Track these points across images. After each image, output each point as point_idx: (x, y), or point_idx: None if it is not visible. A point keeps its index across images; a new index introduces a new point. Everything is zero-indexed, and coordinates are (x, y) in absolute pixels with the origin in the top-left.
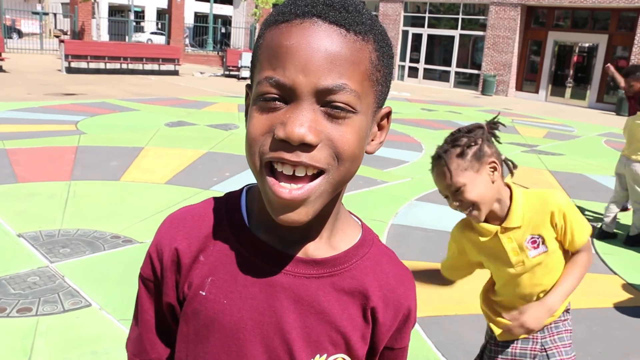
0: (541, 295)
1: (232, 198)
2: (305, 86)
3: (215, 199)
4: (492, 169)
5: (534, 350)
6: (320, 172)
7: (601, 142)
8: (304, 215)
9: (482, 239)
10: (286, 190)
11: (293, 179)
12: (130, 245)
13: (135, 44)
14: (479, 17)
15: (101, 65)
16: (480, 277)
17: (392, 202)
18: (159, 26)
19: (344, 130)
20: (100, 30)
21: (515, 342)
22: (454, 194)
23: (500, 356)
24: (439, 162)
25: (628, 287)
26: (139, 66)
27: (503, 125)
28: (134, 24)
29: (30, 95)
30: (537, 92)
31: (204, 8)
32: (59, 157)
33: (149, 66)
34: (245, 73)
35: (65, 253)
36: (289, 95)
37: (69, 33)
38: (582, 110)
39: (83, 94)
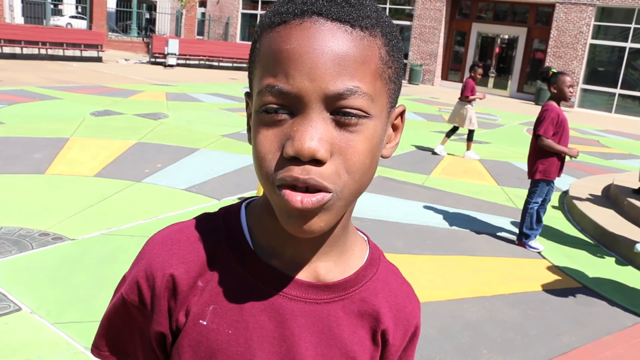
0: None
1: (230, 215)
2: (313, 93)
3: (210, 215)
4: None
5: None
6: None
7: (523, 131)
8: (318, 226)
9: None
10: (298, 197)
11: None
12: (60, 242)
13: (55, 28)
14: (405, 7)
15: (17, 50)
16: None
17: None
18: (79, 10)
19: (355, 139)
20: (13, 12)
21: None
22: None
23: None
24: None
25: (555, 269)
26: (59, 52)
27: None
28: (52, 6)
29: None
30: (461, 81)
31: None
32: None
33: (70, 52)
34: (172, 60)
35: None
36: (294, 105)
37: None
38: (504, 99)
39: None
